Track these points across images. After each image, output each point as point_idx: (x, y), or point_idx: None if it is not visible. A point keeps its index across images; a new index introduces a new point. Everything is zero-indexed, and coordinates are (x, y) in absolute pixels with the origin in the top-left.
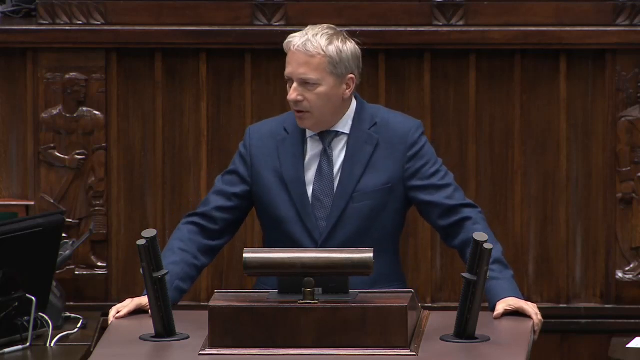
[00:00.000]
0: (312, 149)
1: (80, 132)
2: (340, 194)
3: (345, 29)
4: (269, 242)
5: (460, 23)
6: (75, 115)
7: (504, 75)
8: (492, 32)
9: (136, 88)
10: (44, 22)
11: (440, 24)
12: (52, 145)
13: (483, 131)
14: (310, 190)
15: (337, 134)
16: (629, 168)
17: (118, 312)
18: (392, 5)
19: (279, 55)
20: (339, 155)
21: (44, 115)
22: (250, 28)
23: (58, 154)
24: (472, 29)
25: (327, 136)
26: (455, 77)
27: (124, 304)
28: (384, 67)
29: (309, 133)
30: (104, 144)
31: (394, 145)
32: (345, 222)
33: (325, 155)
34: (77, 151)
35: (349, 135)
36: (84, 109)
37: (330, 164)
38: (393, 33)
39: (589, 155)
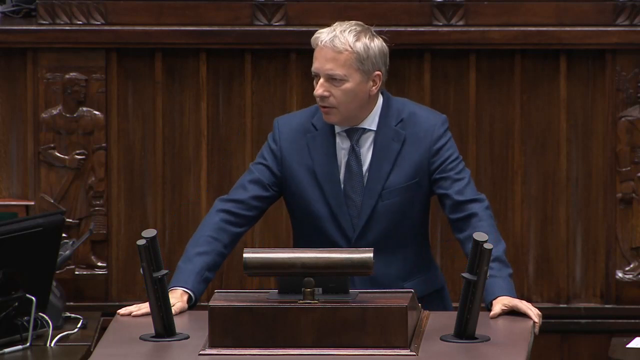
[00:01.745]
0: (340, 146)
1: (80, 132)
2: (369, 192)
3: (374, 28)
4: (300, 236)
5: (460, 23)
6: (75, 115)
7: (504, 75)
8: (492, 32)
9: (136, 88)
10: (44, 22)
11: (440, 24)
12: (52, 145)
13: (483, 131)
14: (341, 188)
15: (365, 130)
16: (629, 168)
17: (130, 312)
18: (392, 5)
19: (279, 55)
20: (366, 153)
21: (44, 115)
22: (250, 28)
23: (58, 154)
24: (472, 29)
25: (354, 133)
26: (455, 77)
27: (140, 305)
28: None
29: (337, 129)
30: (104, 144)
31: (420, 139)
32: (376, 220)
33: (354, 153)
34: (77, 151)
35: (375, 132)
36: (84, 109)
37: (359, 162)
38: (393, 33)
39: (589, 155)
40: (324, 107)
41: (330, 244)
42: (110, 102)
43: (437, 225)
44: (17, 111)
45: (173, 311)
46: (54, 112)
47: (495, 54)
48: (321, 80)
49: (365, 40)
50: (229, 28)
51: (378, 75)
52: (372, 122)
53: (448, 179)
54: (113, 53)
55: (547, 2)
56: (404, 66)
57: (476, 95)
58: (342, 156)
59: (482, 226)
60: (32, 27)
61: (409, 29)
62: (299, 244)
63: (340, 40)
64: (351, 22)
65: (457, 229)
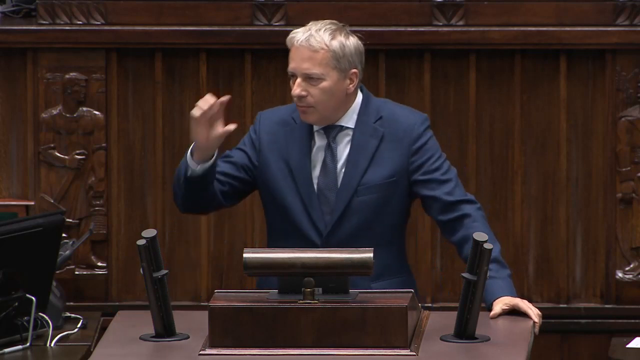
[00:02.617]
0: (318, 142)
1: (80, 132)
2: (344, 187)
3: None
4: (274, 230)
5: (460, 23)
6: (75, 115)
7: (504, 75)
8: (492, 32)
9: (136, 88)
10: (44, 22)
11: (440, 24)
12: (52, 145)
13: (483, 131)
14: (315, 184)
15: (342, 128)
16: (629, 168)
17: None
18: (392, 5)
19: (279, 55)
20: (343, 150)
21: (44, 115)
22: (250, 28)
23: (58, 154)
24: (472, 29)
25: (331, 131)
26: (455, 77)
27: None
28: (384, 67)
29: (315, 126)
30: (104, 144)
31: (399, 138)
32: (350, 215)
33: (330, 150)
34: (77, 151)
35: (354, 129)
36: (84, 109)
37: (334, 159)
38: (393, 33)
39: (589, 155)
40: (302, 106)
41: (303, 237)
42: (110, 102)
43: (437, 226)
44: (17, 111)
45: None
46: (54, 112)
47: (495, 54)
48: (298, 80)
49: (340, 38)
50: (229, 28)
51: (355, 73)
52: (349, 119)
53: (434, 180)
54: (113, 53)
55: (547, 2)
56: (404, 66)
57: (476, 95)
58: (318, 153)
59: (476, 227)
60: (32, 27)
61: (409, 29)
62: (272, 238)
63: (316, 39)
64: (325, 21)
65: (449, 230)
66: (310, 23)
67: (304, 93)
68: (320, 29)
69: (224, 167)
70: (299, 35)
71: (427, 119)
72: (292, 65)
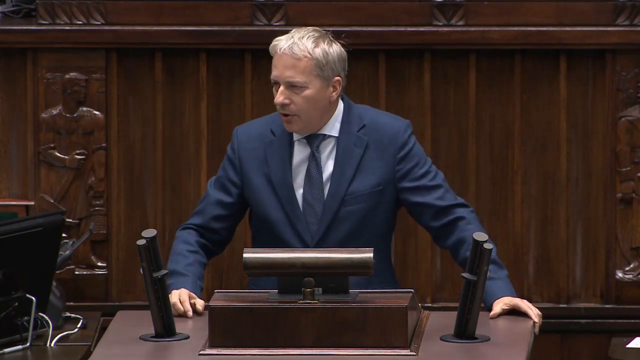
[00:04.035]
0: (300, 152)
1: (80, 132)
2: (331, 197)
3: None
4: (257, 240)
5: (460, 23)
6: (75, 115)
7: (504, 75)
8: (492, 32)
9: (136, 88)
10: (44, 22)
11: (440, 24)
12: (52, 145)
13: (483, 131)
14: (300, 194)
15: (325, 137)
16: (629, 168)
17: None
18: (392, 5)
19: None
20: (327, 159)
21: (44, 115)
22: (250, 28)
23: (58, 154)
24: (472, 29)
25: (314, 139)
26: (455, 77)
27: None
28: (384, 67)
29: (296, 136)
30: (104, 144)
31: (384, 146)
32: (338, 225)
33: (314, 160)
34: (77, 151)
35: (337, 138)
36: (84, 109)
37: (319, 168)
38: (393, 33)
39: (589, 155)
40: (285, 115)
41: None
42: (110, 102)
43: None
44: (17, 111)
45: (199, 308)
46: (54, 112)
47: (495, 54)
48: (281, 88)
49: (323, 46)
50: (229, 28)
51: (338, 80)
52: (332, 128)
53: (423, 187)
54: (113, 53)
55: (547, 2)
56: (404, 66)
57: (476, 95)
58: (302, 163)
59: (471, 229)
60: (32, 27)
61: (409, 29)
62: (255, 246)
63: (299, 47)
64: (309, 28)
65: (442, 235)
66: (293, 30)
67: (287, 101)
68: (303, 37)
69: (212, 210)
70: (282, 42)
71: (410, 126)
72: (275, 73)
